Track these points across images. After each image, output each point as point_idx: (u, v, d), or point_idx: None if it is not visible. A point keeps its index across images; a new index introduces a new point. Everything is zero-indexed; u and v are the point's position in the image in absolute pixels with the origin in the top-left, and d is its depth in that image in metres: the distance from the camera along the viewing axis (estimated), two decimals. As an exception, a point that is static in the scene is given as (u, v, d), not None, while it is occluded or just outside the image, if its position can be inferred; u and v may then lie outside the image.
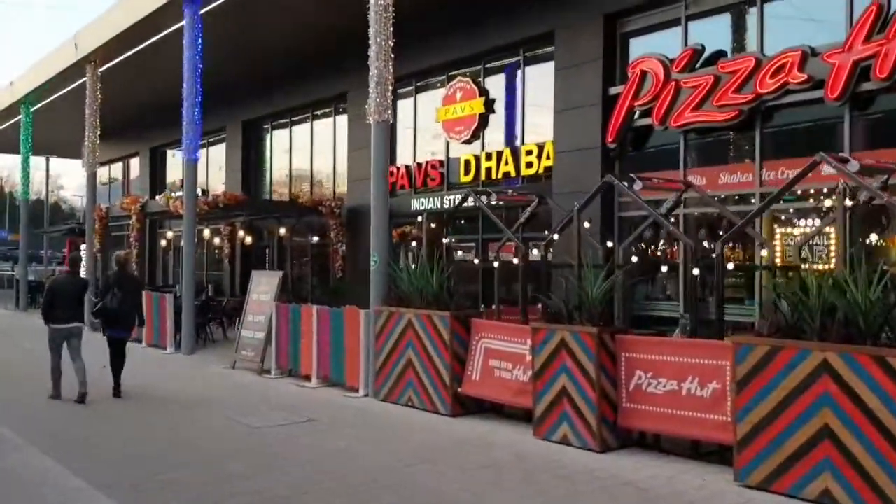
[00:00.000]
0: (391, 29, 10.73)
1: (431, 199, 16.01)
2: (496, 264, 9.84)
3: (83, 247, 23.48)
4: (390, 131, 10.83)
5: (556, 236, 9.19)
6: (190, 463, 7.23)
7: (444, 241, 12.12)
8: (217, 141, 23.95)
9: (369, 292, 12.60)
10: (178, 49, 17.07)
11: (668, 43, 12.12)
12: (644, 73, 11.93)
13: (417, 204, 16.64)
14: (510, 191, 11.80)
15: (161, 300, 16.05)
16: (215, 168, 24.53)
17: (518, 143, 14.50)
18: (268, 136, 22.21)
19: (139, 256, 18.85)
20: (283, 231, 18.48)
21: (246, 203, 17.00)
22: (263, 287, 13.32)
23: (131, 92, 22.03)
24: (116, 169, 31.41)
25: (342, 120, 19.14)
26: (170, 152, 27.13)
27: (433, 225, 11.77)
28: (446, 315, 9.43)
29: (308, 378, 11.95)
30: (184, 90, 15.40)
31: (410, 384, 9.95)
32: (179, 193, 17.90)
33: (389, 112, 10.85)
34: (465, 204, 11.33)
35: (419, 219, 12.01)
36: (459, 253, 15.73)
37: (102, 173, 38.05)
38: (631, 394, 7.71)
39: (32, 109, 25.05)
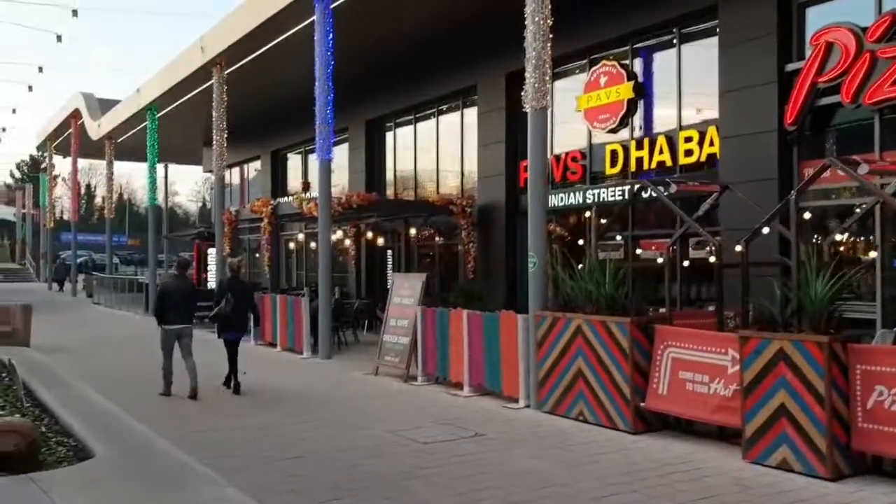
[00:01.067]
0: (549, 6, 9.84)
1: (572, 194, 15.01)
2: (686, 263, 8.79)
3: (211, 251, 23.67)
4: (545, 118, 9.92)
5: (765, 230, 8.07)
6: (369, 487, 6.54)
7: (619, 237, 11.13)
8: (339, 141, 23.65)
9: (502, 294, 11.79)
10: (303, 49, 16.75)
11: (853, 10, 10.75)
12: (830, 46, 10.58)
13: (556, 200, 15.67)
14: (691, 182, 10.64)
15: (296, 303, 15.69)
16: (337, 169, 24.31)
17: (675, 129, 13.34)
18: (390, 135, 21.71)
19: (271, 260, 18.60)
20: (412, 231, 17.88)
21: (378, 203, 16.44)
22: (406, 290, 12.67)
23: (252, 95, 21.95)
24: (234, 174, 31.83)
25: (470, 114, 18.39)
26: (292, 156, 27.11)
27: (602, 220, 10.75)
28: (625, 322, 8.47)
29: (459, 386, 11.22)
30: (316, 88, 14.95)
31: (581, 397, 9.04)
32: (311, 195, 17.59)
33: (548, 98, 9.97)
34: (623, 198, 10.30)
35: (587, 214, 11.03)
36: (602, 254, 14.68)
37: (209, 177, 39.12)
38: (869, 412, 6.56)
39: (157, 115, 25.41)
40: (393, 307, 12.89)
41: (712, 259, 8.77)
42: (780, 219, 8.22)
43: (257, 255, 27.47)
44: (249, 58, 19.16)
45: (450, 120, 19.31)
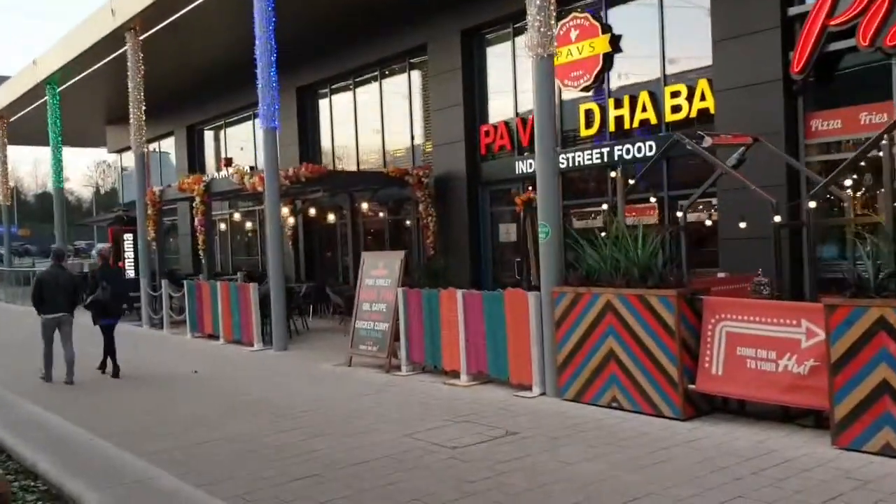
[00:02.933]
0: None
1: (584, 153, 13.81)
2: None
3: (128, 237, 21.56)
4: (552, 67, 8.76)
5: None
6: (423, 516, 5.32)
7: (652, 199, 10.08)
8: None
9: (466, 272, 10.61)
10: (229, 9, 15.08)
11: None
12: (841, -15, 9.83)
13: (524, 166, 14.62)
14: (724, 135, 9.69)
15: (243, 291, 14.11)
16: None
17: (659, 84, 12.41)
18: (325, 103, 20.12)
19: (206, 243, 16.79)
20: (364, 206, 16.46)
21: (328, 176, 14.91)
22: (380, 271, 11.34)
23: (165, 65, 19.82)
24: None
25: (417, 76, 17.05)
26: (209, 132, 25.05)
27: (626, 182, 9.66)
28: (670, 294, 7.45)
29: (454, 374, 10.05)
30: (256, 49, 13.31)
31: (614, 380, 8.01)
32: (246, 169, 15.93)
33: (555, 45, 8.80)
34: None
35: (613, 174, 9.92)
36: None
37: (114, 159, 36.17)
38: None
39: (58, 90, 22.92)
40: (365, 290, 11.54)
41: (777, 219, 7.81)
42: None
43: (171, 239, 25.40)
44: (168, 20, 17.19)
45: (395, 83, 17.91)
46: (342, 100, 19.51)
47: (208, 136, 25.23)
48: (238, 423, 8.27)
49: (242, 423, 8.22)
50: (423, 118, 16.92)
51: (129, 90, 17.83)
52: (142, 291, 17.79)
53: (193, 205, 16.99)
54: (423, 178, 15.68)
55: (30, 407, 9.52)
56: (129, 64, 17.82)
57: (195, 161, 25.05)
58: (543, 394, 8.85)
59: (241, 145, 23.56)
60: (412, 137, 17.31)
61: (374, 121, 18.41)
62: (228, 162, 21.50)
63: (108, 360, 11.83)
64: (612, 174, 10.32)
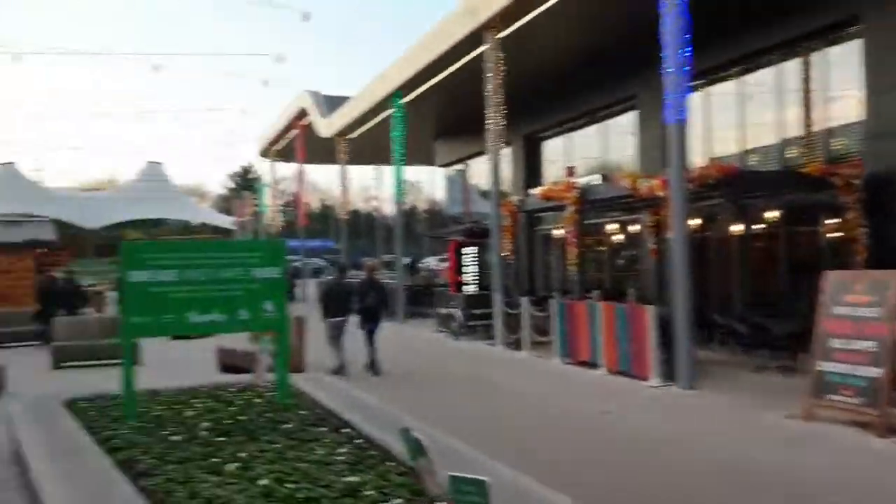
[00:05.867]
0: None
1: None
2: None
3: (467, 250, 20.61)
4: None
5: None
6: None
7: None
8: (616, 112, 19.92)
9: None
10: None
11: None
12: None
13: None
14: None
15: (635, 313, 12.03)
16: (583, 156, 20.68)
17: None
18: (704, 91, 17.42)
19: (577, 256, 14.99)
20: (773, 215, 13.66)
21: (739, 178, 12.39)
22: (860, 296, 8.58)
23: (510, 69, 18.58)
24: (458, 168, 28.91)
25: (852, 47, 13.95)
26: (549, 141, 23.63)
27: None
28: None
29: None
30: (664, 23, 11.18)
31: None
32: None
33: None
34: None
35: None
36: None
37: (415, 176, 36.42)
38: None
39: (402, 102, 22.76)
40: (835, 321, 8.83)
41: None
42: None
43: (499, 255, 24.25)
44: (531, 15, 15.79)
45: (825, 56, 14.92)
46: (728, 87, 16.85)
47: (546, 145, 23.82)
48: None
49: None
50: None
51: (488, 93, 16.69)
52: (495, 308, 16.46)
53: (564, 214, 15.22)
54: (854, 180, 12.54)
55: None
56: (488, 65, 16.68)
57: (532, 172, 23.74)
58: None
59: (584, 152, 21.82)
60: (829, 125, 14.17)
61: (771, 105, 15.52)
62: (571, 171, 19.76)
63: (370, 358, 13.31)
64: None
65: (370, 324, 13.40)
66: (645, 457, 7.65)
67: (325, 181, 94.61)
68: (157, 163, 73.24)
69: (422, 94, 22.02)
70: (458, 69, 19.39)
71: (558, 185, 14.93)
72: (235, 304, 8.09)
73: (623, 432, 8.81)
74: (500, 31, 16.54)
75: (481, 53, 17.32)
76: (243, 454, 6.06)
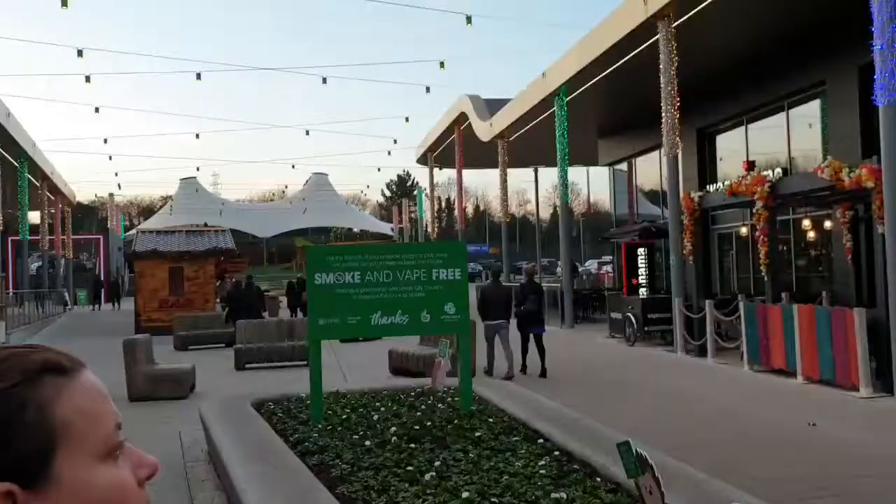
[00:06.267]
0: None
1: None
2: None
3: (641, 251, 19.73)
4: None
5: None
6: None
7: None
8: (800, 101, 18.41)
9: None
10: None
11: None
12: None
13: None
14: None
15: (843, 316, 10.88)
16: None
17: None
18: None
19: (767, 256, 13.87)
20: None
21: None
22: None
23: (683, 60, 17.55)
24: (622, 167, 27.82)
25: None
26: (723, 135, 22.31)
27: None
28: None
29: None
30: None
31: None
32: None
33: None
34: None
35: None
36: None
37: (601, 174, 35.48)
38: None
39: (566, 101, 22.19)
40: None
41: None
42: None
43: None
44: (707, 1, 14.81)
45: None
46: None
47: (720, 139, 22.47)
48: None
49: None
50: None
51: (662, 85, 15.85)
52: (675, 313, 15.54)
53: (754, 210, 14.10)
54: None
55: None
56: (661, 56, 15.84)
57: (706, 168, 22.45)
58: None
59: (762, 145, 20.34)
60: None
61: None
62: (751, 165, 18.44)
63: (522, 361, 13.45)
64: None
65: (530, 327, 13.48)
66: (882, 480, 6.73)
67: (477, 185, 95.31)
68: (323, 174, 76.29)
69: (586, 90, 21.36)
70: (625, 62, 18.60)
71: (746, 179, 13.84)
72: (417, 307, 7.90)
73: (841, 449, 7.87)
74: (674, 20, 15.66)
75: (652, 45, 16.49)
76: (437, 462, 5.78)
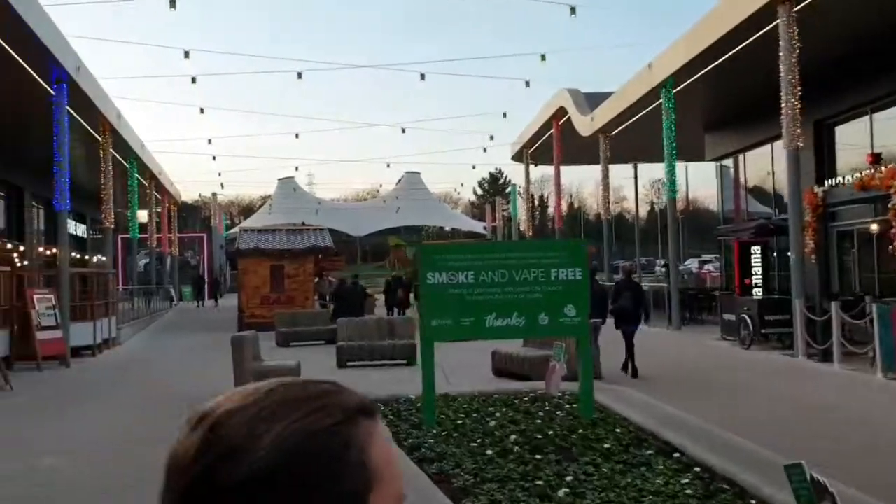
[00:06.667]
0: None
1: None
2: None
3: (757, 249, 18.71)
4: None
5: None
6: None
7: None
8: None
9: None
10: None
11: None
12: None
13: None
14: None
15: None
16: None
17: None
18: None
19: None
20: None
21: None
22: None
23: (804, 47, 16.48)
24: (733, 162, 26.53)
25: None
26: (844, 127, 20.98)
27: None
28: None
29: None
30: None
31: None
32: None
33: None
34: None
35: None
36: None
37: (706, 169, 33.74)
38: None
39: (673, 92, 21.30)
40: None
41: None
42: None
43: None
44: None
45: None
46: None
47: (839, 131, 21.13)
48: None
49: None
50: None
51: (782, 72, 14.92)
52: (796, 314, 14.59)
53: (890, 205, 13.07)
54: None
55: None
56: (781, 41, 14.90)
57: (824, 162, 21.15)
58: None
59: (888, 138, 18.96)
60: None
61: None
62: (876, 158, 17.24)
63: (629, 362, 13.03)
64: None
65: (625, 325, 13.17)
66: None
67: (570, 182, 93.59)
68: (416, 173, 76.68)
69: (695, 81, 20.43)
70: (739, 50, 17.64)
71: (878, 172, 12.84)
72: (535, 308, 7.49)
73: None
74: (795, 3, 14.70)
75: (770, 31, 15.53)
76: (568, 477, 5.36)
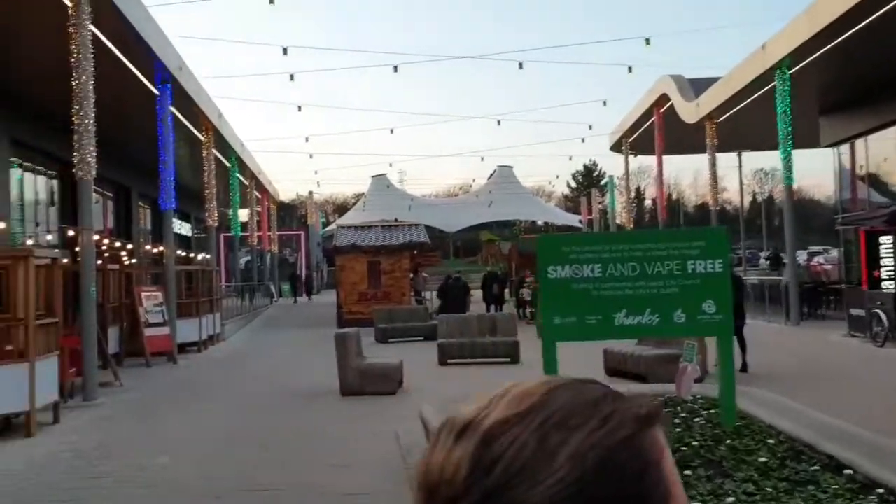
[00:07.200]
0: None
1: None
2: None
3: (885, 239, 17.28)
4: None
5: None
6: None
7: None
8: None
9: None
10: None
11: None
12: None
13: None
14: None
15: None
16: None
17: None
18: None
19: None
20: None
21: None
22: None
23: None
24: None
25: None
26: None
27: None
28: None
29: None
30: None
31: None
32: None
33: None
34: None
35: None
36: None
37: (770, 166, 32.14)
38: None
39: (788, 74, 19.98)
40: None
41: None
42: None
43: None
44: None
45: None
46: None
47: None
48: None
49: None
50: None
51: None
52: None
53: None
54: None
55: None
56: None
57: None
58: None
59: None
60: None
61: None
62: None
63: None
64: None
65: (736, 321, 12.99)
66: None
67: (669, 172, 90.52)
68: (508, 166, 75.91)
69: (813, 61, 19.07)
70: (865, 25, 16.29)
71: None
72: (670, 305, 6.81)
73: None
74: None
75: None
76: (729, 498, 4.70)
